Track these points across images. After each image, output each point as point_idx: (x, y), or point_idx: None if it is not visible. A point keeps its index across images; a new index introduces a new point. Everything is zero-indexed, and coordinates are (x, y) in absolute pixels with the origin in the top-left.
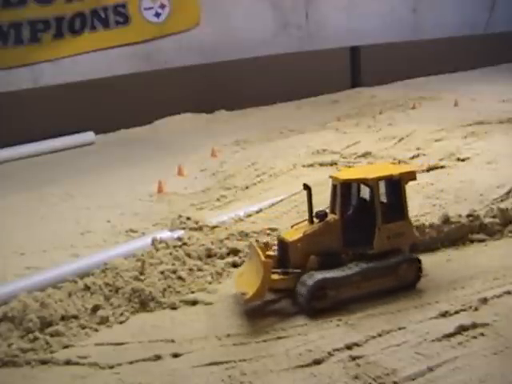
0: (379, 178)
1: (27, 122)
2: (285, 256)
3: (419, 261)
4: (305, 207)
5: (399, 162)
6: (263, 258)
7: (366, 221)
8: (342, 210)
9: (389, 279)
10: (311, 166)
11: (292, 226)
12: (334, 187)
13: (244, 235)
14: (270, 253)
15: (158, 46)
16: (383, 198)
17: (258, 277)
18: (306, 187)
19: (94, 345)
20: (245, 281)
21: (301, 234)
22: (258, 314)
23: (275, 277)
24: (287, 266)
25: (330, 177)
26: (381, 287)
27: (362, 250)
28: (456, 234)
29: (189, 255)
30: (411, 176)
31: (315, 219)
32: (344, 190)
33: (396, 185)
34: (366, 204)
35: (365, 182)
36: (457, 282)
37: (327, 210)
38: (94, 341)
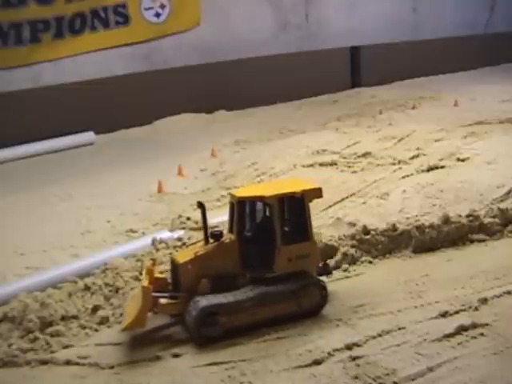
0: (279, 196)
1: (27, 122)
2: (176, 278)
3: (323, 285)
4: None
5: (399, 161)
6: (145, 283)
7: (266, 241)
8: (239, 229)
9: (288, 305)
10: (311, 166)
11: (187, 246)
12: (232, 205)
13: None
14: (160, 275)
15: (157, 46)
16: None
17: (138, 303)
18: (200, 205)
19: (94, 345)
20: (131, 306)
21: (192, 255)
22: (145, 340)
23: (163, 301)
24: (178, 289)
25: (229, 194)
26: (279, 313)
27: (262, 272)
28: (456, 233)
29: None
30: (316, 193)
31: (210, 239)
32: (241, 208)
33: (299, 203)
34: (267, 223)
35: (262, 199)
36: (457, 281)
37: (224, 230)
38: (94, 341)
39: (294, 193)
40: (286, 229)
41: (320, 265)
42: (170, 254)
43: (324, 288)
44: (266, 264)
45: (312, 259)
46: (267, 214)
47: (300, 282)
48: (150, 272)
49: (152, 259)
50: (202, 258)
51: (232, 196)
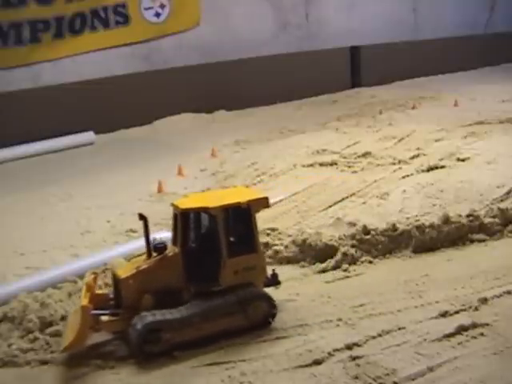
0: (223, 207)
1: (27, 122)
2: (118, 294)
3: (270, 298)
4: (305, 207)
5: (399, 161)
6: (84, 301)
7: (211, 254)
8: (183, 241)
9: (236, 319)
10: (311, 166)
11: (130, 259)
12: (175, 216)
13: None
14: (100, 291)
15: (157, 46)
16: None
17: (78, 323)
18: (142, 217)
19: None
20: (71, 324)
21: (134, 270)
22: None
23: (104, 318)
24: (121, 305)
25: (172, 205)
26: (226, 327)
27: (207, 286)
28: (456, 233)
29: None
30: (262, 203)
31: (153, 252)
32: (184, 219)
33: (245, 214)
34: (212, 235)
35: (207, 210)
36: (457, 281)
37: (167, 243)
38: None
39: (239, 203)
40: (232, 240)
41: (269, 275)
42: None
43: (271, 300)
44: (212, 277)
45: (259, 271)
46: (212, 225)
47: (247, 295)
48: (90, 288)
49: (94, 273)
50: (144, 272)
51: (175, 207)
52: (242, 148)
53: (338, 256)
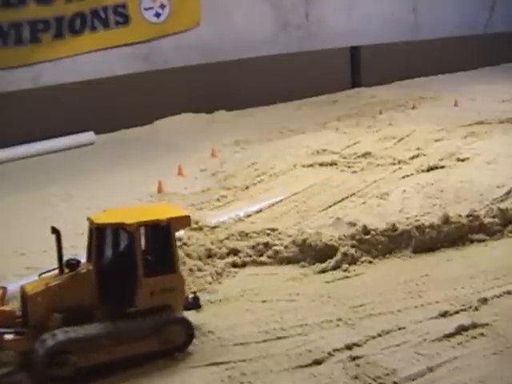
0: (141, 224)
1: (27, 122)
2: (25, 311)
3: (188, 322)
4: (305, 207)
5: (399, 161)
6: None
7: (126, 273)
8: (98, 258)
9: (150, 343)
10: (311, 166)
11: (40, 275)
12: (91, 232)
13: (244, 235)
14: (6, 308)
15: (157, 46)
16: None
17: None
18: (54, 231)
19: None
20: None
21: (43, 286)
22: None
23: (8, 337)
24: (27, 324)
25: (87, 219)
26: (140, 352)
27: (122, 307)
28: (456, 233)
29: (189, 255)
30: (184, 222)
31: (66, 268)
32: (100, 235)
33: (165, 232)
34: (129, 253)
35: (123, 227)
36: (457, 281)
37: (81, 259)
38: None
39: (158, 221)
40: (150, 259)
41: (190, 298)
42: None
43: (188, 324)
44: (127, 298)
45: (177, 293)
46: (129, 242)
47: (163, 318)
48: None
49: (2, 287)
50: (53, 289)
51: (90, 222)
52: (241, 148)
53: (338, 256)
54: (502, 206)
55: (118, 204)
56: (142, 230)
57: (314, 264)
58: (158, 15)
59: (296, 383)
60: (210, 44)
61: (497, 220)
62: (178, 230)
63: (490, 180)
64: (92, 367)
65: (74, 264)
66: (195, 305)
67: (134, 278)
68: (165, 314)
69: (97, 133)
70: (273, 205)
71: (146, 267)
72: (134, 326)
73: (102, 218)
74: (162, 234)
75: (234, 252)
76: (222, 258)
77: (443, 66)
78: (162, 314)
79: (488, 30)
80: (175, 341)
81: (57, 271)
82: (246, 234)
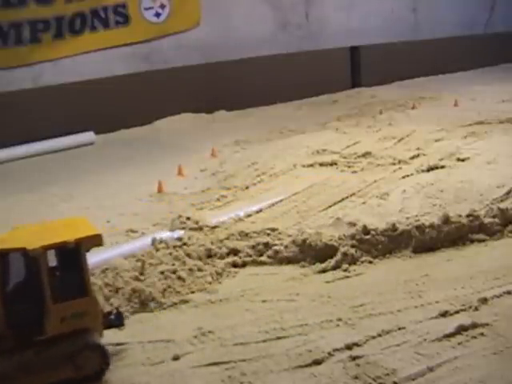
0: (45, 247)
1: (27, 122)
2: None
3: (102, 347)
4: (305, 207)
5: (399, 161)
6: None
7: (34, 298)
8: (2, 284)
9: (63, 371)
10: (311, 166)
11: None
12: None
13: (244, 235)
14: None
15: (157, 46)
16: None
17: None
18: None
19: None
20: None
21: None
22: None
23: None
24: None
25: None
26: (52, 381)
27: (31, 335)
28: (456, 233)
29: (189, 255)
30: (95, 241)
31: None
32: (3, 260)
33: (73, 253)
34: (35, 277)
35: (25, 252)
36: (457, 281)
37: None
38: None
39: (65, 242)
40: (58, 284)
41: (112, 315)
42: (170, 253)
43: (103, 349)
44: (35, 325)
45: (92, 316)
46: (34, 267)
47: (75, 345)
48: None
49: None
50: None
51: None
52: (241, 148)
53: (338, 256)
54: (502, 205)
55: (118, 204)
56: (51, 251)
57: (314, 264)
58: (158, 15)
59: (296, 383)
60: (209, 44)
61: (497, 220)
62: (88, 250)
63: (489, 180)
64: None
65: None
66: (118, 322)
67: (41, 304)
68: (78, 340)
69: (97, 133)
70: (273, 205)
71: (55, 292)
72: (44, 355)
73: (6, 241)
74: (70, 255)
75: (234, 252)
76: (221, 257)
77: (443, 66)
78: (76, 340)
79: (488, 30)
80: (89, 368)
81: None
82: (246, 234)
